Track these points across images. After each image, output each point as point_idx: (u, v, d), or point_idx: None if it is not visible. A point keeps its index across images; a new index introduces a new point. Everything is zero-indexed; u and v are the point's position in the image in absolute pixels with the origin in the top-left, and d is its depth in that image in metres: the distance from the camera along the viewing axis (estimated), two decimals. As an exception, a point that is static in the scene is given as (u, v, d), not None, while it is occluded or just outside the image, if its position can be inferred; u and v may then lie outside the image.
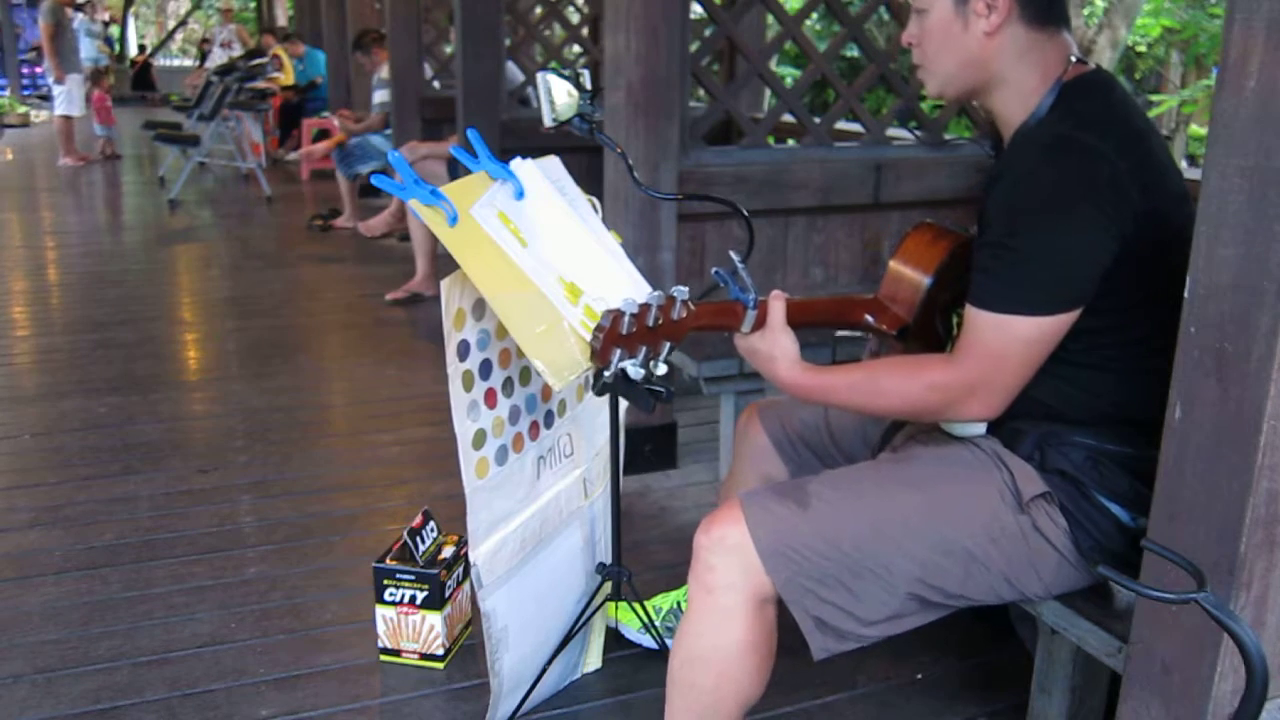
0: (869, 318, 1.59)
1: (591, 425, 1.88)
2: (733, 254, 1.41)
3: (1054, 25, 1.42)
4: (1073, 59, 1.43)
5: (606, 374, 1.30)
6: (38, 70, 10.46)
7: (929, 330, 1.62)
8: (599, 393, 1.52)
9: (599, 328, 1.27)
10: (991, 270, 1.36)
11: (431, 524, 2.08)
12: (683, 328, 1.35)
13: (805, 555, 1.41)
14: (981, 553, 1.43)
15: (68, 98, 9.19)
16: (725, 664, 1.44)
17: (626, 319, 1.27)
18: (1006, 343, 1.34)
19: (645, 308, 1.29)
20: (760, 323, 1.44)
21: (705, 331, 1.43)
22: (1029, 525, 1.44)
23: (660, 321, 1.31)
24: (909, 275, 1.59)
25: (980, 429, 1.52)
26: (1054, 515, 1.45)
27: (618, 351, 1.28)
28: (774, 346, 1.44)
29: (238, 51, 11.87)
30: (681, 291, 1.33)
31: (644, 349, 1.31)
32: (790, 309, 1.45)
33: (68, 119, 9.32)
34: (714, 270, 1.43)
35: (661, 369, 1.33)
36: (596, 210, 1.69)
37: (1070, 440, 1.45)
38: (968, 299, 1.39)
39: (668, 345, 1.33)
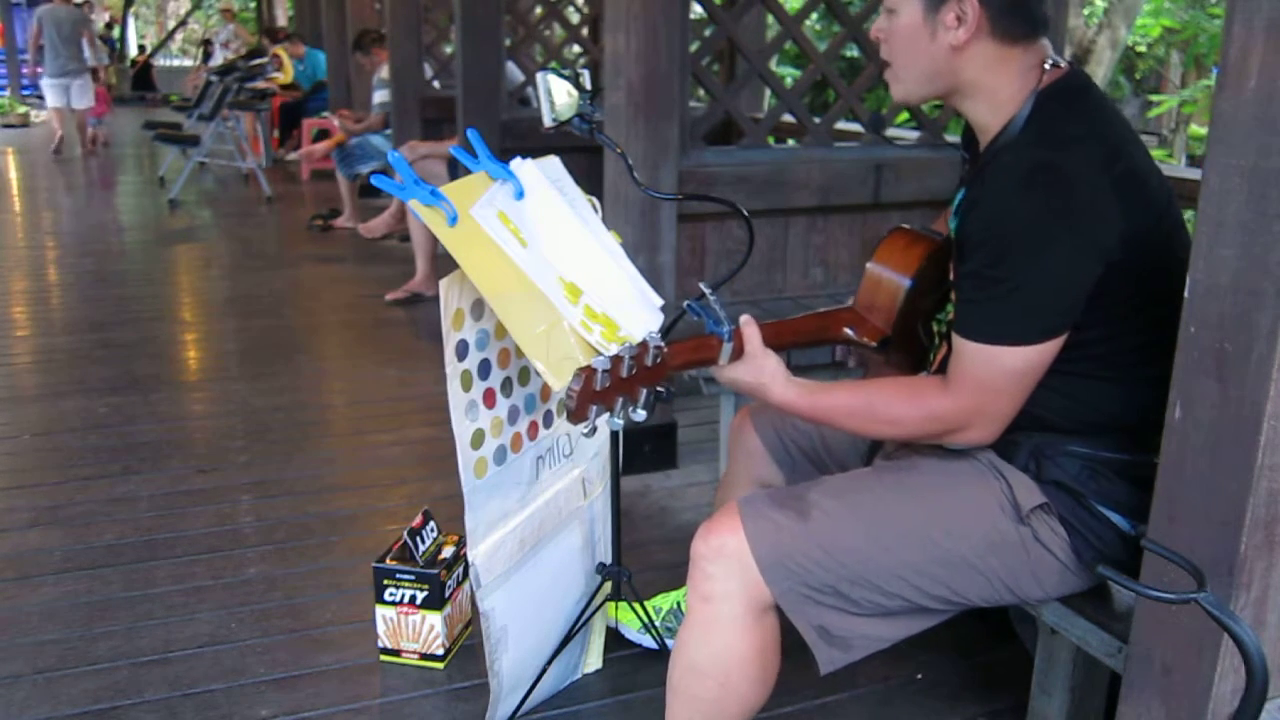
0: (849, 331, 1.58)
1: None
2: (703, 285, 1.39)
3: (1028, 38, 1.38)
4: (1048, 64, 1.39)
5: (584, 430, 1.26)
6: (38, 70, 10.90)
7: (911, 339, 1.61)
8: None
9: (570, 389, 1.23)
10: (976, 301, 1.35)
11: (431, 524, 2.08)
12: (659, 372, 1.32)
13: (805, 566, 1.40)
14: (981, 562, 1.43)
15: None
16: (726, 673, 1.43)
17: (600, 375, 1.24)
18: (996, 374, 1.34)
19: (618, 360, 1.26)
20: (738, 352, 1.42)
21: (685, 369, 1.40)
22: (1029, 536, 1.44)
23: (635, 370, 1.28)
24: (888, 278, 1.57)
25: None
26: (1054, 526, 1.44)
27: (594, 408, 1.25)
28: (759, 373, 1.43)
29: (237, 51, 11.90)
30: (654, 337, 1.31)
31: (620, 399, 1.28)
32: (766, 333, 1.44)
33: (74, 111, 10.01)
34: (685, 304, 1.41)
35: (640, 415, 1.30)
36: (596, 210, 1.69)
37: (1065, 450, 1.44)
38: (954, 328, 1.38)
39: (645, 392, 1.31)
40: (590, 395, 1.24)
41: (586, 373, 1.23)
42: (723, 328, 1.39)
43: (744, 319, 1.43)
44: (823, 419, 1.47)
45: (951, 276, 1.48)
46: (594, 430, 1.27)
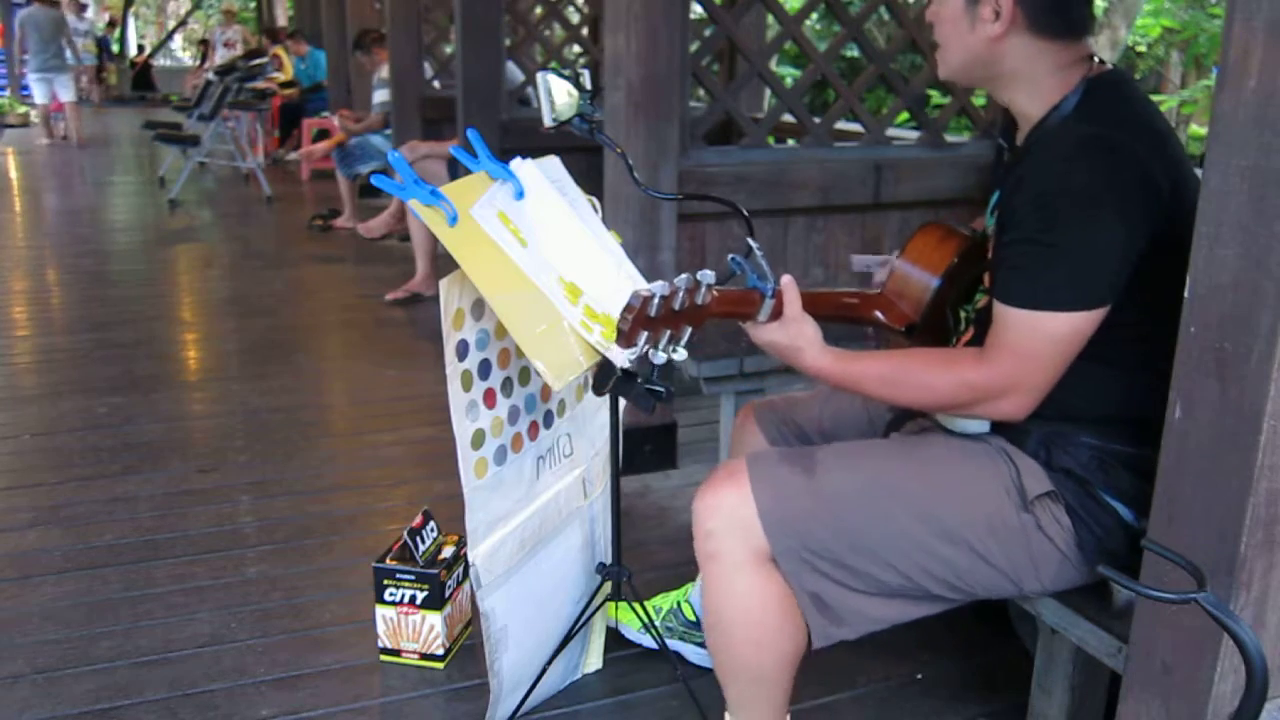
0: (879, 314, 1.59)
1: (591, 425, 1.88)
2: (750, 240, 1.40)
3: (1069, 36, 1.40)
4: (1095, 60, 1.42)
5: (631, 354, 1.27)
6: (23, 71, 11.55)
7: (938, 325, 1.62)
8: (599, 392, 1.52)
9: (628, 307, 1.24)
10: (1022, 267, 1.35)
11: (431, 524, 2.08)
12: (705, 313, 1.34)
13: (807, 526, 1.41)
14: (980, 545, 1.44)
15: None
16: (748, 627, 1.45)
17: (656, 300, 1.25)
18: (1038, 341, 1.34)
19: (674, 290, 1.27)
20: (777, 312, 1.43)
21: (724, 318, 1.41)
22: (1032, 524, 1.44)
23: (685, 305, 1.29)
24: (917, 275, 1.58)
25: (984, 426, 1.52)
26: (1058, 514, 1.44)
27: (644, 334, 1.26)
28: (797, 337, 1.43)
29: (240, 51, 11.95)
30: (707, 276, 1.32)
31: (667, 333, 1.29)
32: (804, 299, 1.44)
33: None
34: (730, 257, 1.41)
35: (681, 354, 1.31)
36: (596, 210, 1.69)
37: (1076, 439, 1.44)
38: (996, 296, 1.38)
39: (689, 330, 1.32)
40: (643, 320, 1.25)
41: (643, 297, 1.24)
42: (766, 284, 1.39)
43: (786, 279, 1.43)
44: (853, 387, 1.47)
45: (987, 261, 1.48)
46: (640, 358, 1.27)
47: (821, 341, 1.44)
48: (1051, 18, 1.38)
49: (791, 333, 1.43)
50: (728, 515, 1.42)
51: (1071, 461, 1.44)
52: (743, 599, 1.44)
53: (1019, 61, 1.41)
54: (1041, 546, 1.45)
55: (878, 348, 1.72)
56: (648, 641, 2.05)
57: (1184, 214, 1.34)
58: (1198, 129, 11.01)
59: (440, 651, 2.01)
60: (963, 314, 1.64)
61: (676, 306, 1.28)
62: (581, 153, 2.54)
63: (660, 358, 1.30)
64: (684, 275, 1.29)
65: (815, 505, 1.42)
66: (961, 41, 1.43)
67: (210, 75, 8.85)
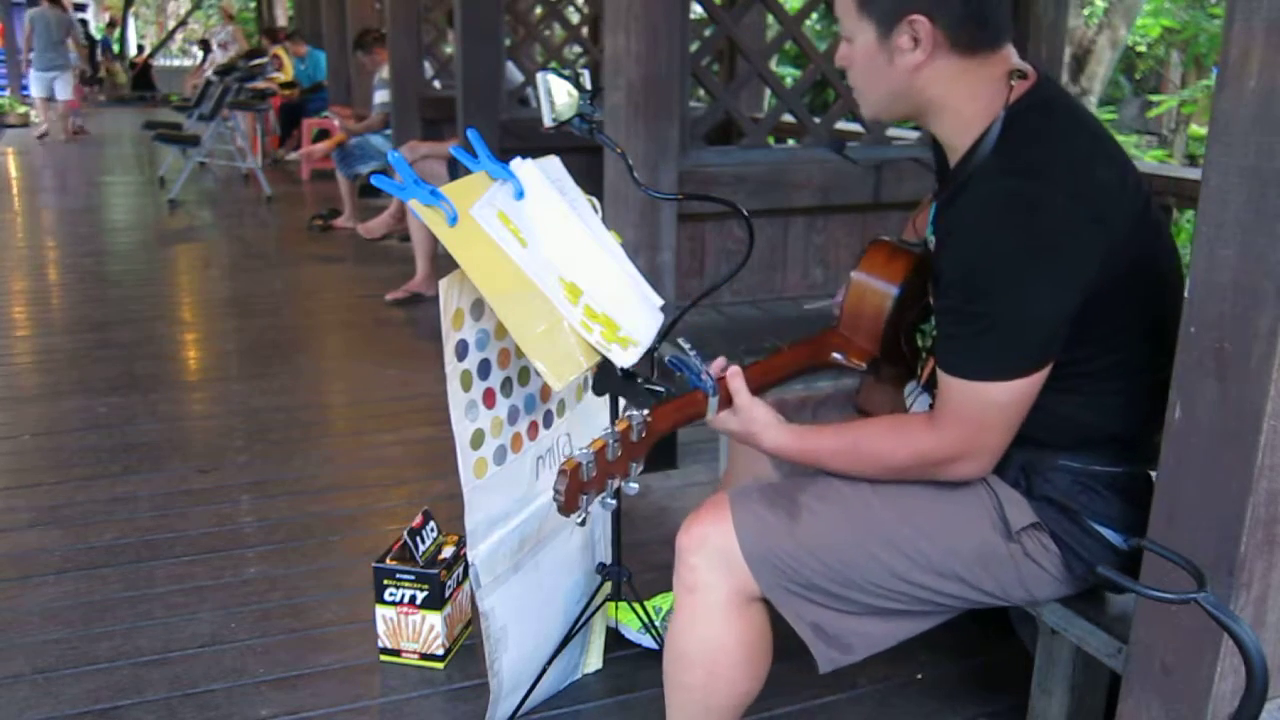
0: (837, 356, 1.57)
1: (591, 425, 1.88)
2: (681, 340, 1.39)
3: (989, 48, 1.34)
4: (1014, 76, 1.34)
5: (576, 518, 1.24)
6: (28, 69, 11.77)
7: (896, 354, 1.60)
8: (599, 392, 1.52)
9: (556, 489, 1.20)
10: (957, 337, 1.33)
11: (431, 524, 2.08)
12: (645, 444, 1.31)
13: (790, 565, 1.40)
14: (969, 574, 1.43)
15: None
16: (712, 662, 1.44)
17: (585, 467, 1.21)
18: (983, 409, 1.32)
19: (603, 446, 1.24)
20: (726, 402, 1.41)
21: (675, 429, 1.40)
22: (1019, 552, 1.43)
23: (620, 453, 1.27)
24: (873, 291, 1.56)
25: None
26: (1045, 542, 1.43)
27: (584, 497, 1.23)
28: (749, 423, 1.42)
29: (234, 51, 11.97)
30: (636, 416, 1.29)
31: (610, 480, 1.26)
32: (753, 376, 1.43)
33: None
34: (667, 359, 1.40)
35: (633, 488, 1.30)
36: (596, 210, 1.69)
37: (1055, 464, 1.42)
38: (937, 363, 1.36)
39: (635, 465, 1.30)
40: (578, 487, 1.21)
41: (571, 467, 1.20)
42: (706, 382, 1.37)
43: (731, 371, 1.42)
44: (812, 462, 1.46)
45: (931, 298, 1.47)
46: (586, 519, 1.25)
47: (776, 421, 1.42)
48: (971, 30, 1.32)
49: (743, 420, 1.42)
50: (712, 550, 1.41)
51: (1052, 489, 1.42)
52: (713, 632, 1.43)
53: (942, 89, 1.35)
54: (1031, 570, 1.44)
55: (857, 393, 1.70)
56: (648, 641, 2.05)
57: (1120, 243, 1.30)
58: (1198, 129, 11.01)
59: (440, 651, 2.01)
60: (919, 340, 1.63)
61: (611, 458, 1.25)
62: (581, 153, 2.54)
63: (611, 504, 1.29)
64: (608, 429, 1.26)
65: (798, 549, 1.40)
66: (881, 78, 1.37)
67: (210, 75, 8.85)
